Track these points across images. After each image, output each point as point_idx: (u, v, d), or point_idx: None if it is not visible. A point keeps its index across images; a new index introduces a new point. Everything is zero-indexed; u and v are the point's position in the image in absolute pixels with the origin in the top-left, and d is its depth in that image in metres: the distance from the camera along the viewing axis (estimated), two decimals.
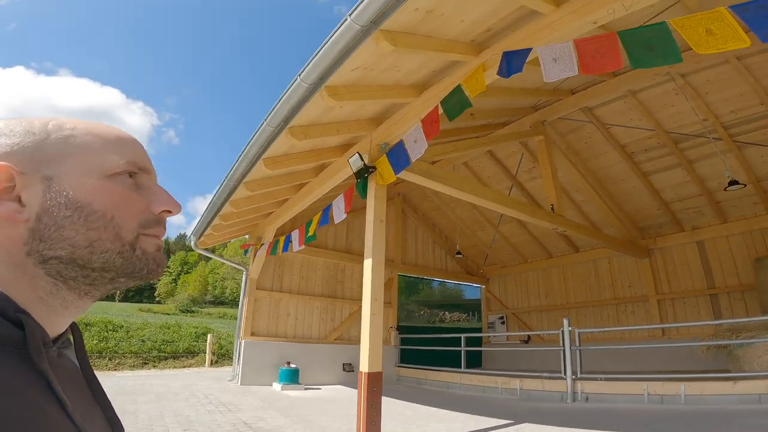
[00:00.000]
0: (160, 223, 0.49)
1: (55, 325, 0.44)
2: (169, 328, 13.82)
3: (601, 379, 5.87)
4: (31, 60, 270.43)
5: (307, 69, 3.30)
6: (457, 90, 3.53)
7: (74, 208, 0.43)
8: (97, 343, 11.03)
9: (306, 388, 7.53)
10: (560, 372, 6.24)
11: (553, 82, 6.50)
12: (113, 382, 7.39)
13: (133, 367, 10.75)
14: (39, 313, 0.42)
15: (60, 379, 0.41)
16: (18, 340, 0.37)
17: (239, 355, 7.87)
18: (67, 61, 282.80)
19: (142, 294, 56.94)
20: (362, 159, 4.47)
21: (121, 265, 0.45)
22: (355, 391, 7.37)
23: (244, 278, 8.45)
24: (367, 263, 4.19)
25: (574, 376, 6.09)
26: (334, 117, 4.42)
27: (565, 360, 6.27)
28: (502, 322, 11.96)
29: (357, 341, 9.31)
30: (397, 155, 4.34)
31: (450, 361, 8.51)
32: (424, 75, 4.00)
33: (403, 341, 9.81)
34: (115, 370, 10.36)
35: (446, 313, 20.75)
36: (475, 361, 11.17)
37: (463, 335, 8.25)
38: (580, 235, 7.53)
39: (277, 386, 7.40)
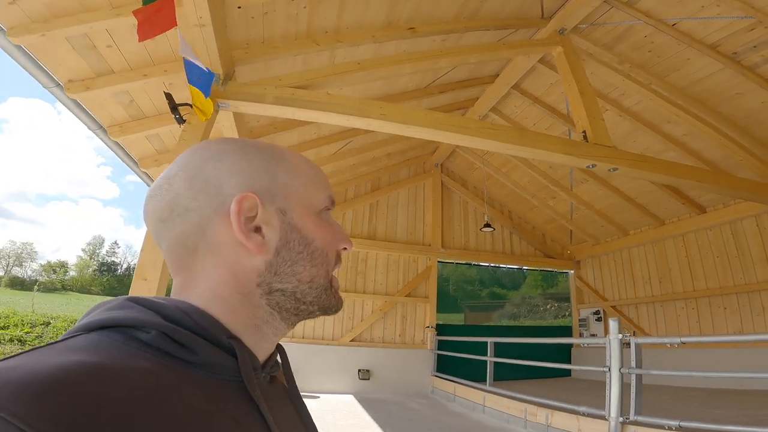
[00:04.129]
0: (340, 258, 0.50)
1: (265, 350, 0.46)
2: None
3: (672, 429, 3.26)
4: None
5: None
6: None
7: (305, 244, 0.45)
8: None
9: None
10: (604, 408, 3.76)
11: None
12: None
13: None
14: (253, 339, 0.43)
15: (270, 404, 0.42)
16: (231, 367, 0.39)
17: None
18: None
19: None
20: (168, 97, 3.08)
21: (323, 301, 0.47)
22: (358, 407, 5.93)
23: None
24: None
25: (623, 418, 3.57)
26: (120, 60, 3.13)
27: (610, 390, 3.77)
28: (598, 319, 8.84)
29: (380, 343, 7.80)
30: (192, 72, 2.85)
31: (500, 371, 6.23)
32: None
33: (440, 345, 7.85)
34: None
35: None
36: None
37: (490, 340, 6.01)
38: (680, 180, 4.54)
39: None
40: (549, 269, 9.99)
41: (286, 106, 3.37)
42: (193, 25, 2.69)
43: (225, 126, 4.02)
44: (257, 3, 3.13)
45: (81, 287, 35.44)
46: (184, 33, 2.89)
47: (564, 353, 8.95)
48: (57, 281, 35.63)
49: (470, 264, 9.43)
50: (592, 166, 4.33)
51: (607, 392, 3.77)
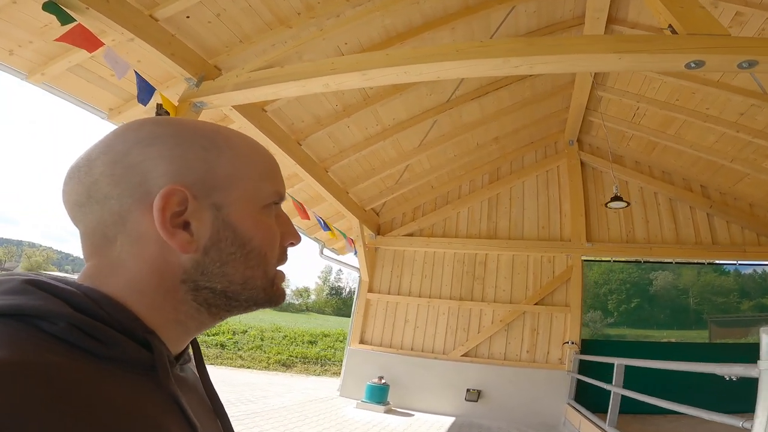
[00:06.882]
0: (286, 254, 0.48)
1: (182, 344, 0.44)
2: None
3: None
4: None
5: None
6: None
7: (239, 244, 0.41)
8: None
9: (387, 411, 5.94)
10: None
11: None
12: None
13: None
14: (172, 334, 0.41)
15: (185, 396, 0.40)
16: (145, 361, 0.36)
17: (344, 365, 7.27)
18: None
19: None
20: (159, 108, 3.52)
21: (261, 299, 0.44)
22: None
23: (358, 280, 7.92)
24: None
25: None
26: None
27: None
28: None
29: (499, 360, 6.58)
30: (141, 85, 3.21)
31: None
32: None
33: (582, 367, 5.94)
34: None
35: None
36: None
37: (617, 361, 4.20)
38: None
39: (354, 402, 6.25)
40: None
41: (245, 89, 3.39)
42: (125, 41, 3.05)
43: (239, 125, 4.28)
44: (199, 6, 3.30)
45: (318, 308, 44.11)
46: (127, 50, 3.33)
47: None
48: (302, 304, 45.94)
49: (640, 261, 7.00)
50: (696, 65, 2.72)
51: None
